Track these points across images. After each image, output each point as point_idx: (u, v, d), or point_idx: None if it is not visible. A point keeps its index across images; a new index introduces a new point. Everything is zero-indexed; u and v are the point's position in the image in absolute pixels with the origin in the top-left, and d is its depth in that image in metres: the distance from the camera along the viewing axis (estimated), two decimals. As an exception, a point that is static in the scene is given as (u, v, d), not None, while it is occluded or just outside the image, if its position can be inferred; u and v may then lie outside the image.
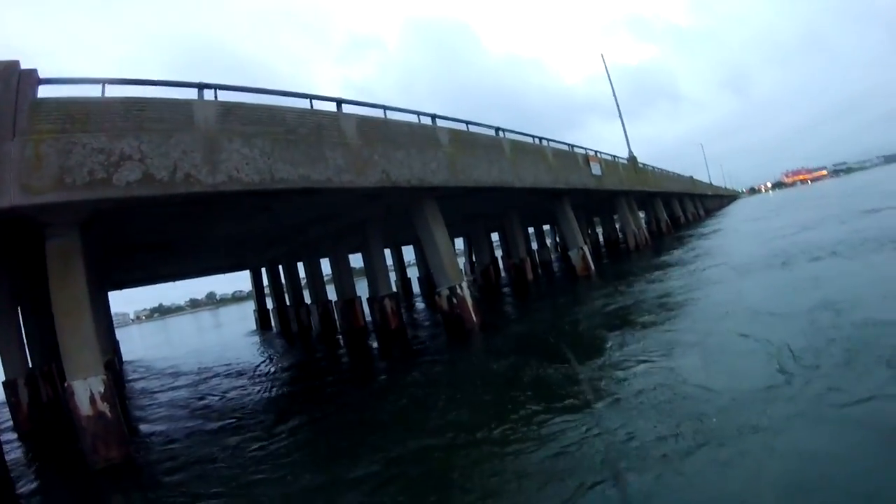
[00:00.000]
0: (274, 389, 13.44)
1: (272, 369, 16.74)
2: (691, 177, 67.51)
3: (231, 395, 13.40)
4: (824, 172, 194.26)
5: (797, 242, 17.75)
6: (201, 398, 13.69)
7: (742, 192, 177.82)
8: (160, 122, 9.56)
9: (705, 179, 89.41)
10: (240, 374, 16.43)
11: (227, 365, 19.02)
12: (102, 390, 8.51)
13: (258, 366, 17.79)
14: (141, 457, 9.05)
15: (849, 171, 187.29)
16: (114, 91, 9.69)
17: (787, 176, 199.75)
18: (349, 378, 12.76)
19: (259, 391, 13.35)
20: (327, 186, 11.86)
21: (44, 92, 8.94)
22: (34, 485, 8.97)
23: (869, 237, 14.87)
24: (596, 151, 28.83)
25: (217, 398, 13.30)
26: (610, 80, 39.39)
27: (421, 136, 14.93)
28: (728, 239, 28.98)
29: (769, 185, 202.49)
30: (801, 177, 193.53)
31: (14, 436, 13.32)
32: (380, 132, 13.61)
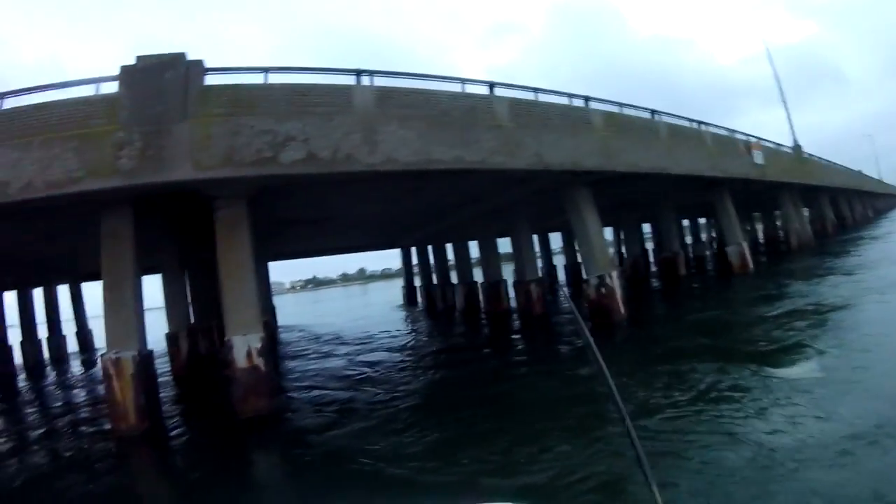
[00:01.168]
0: (414, 366, 13.87)
1: (416, 344, 17.55)
2: (860, 171, 61.35)
3: (376, 364, 13.85)
4: None
5: None
6: (349, 362, 14.56)
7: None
8: (321, 106, 10.22)
9: (874, 175, 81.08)
10: (389, 348, 16.95)
11: (372, 335, 20.00)
12: (259, 346, 9.38)
13: (403, 339, 18.78)
14: (286, 410, 9.90)
15: None
16: (276, 79, 10.45)
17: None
18: (491, 369, 12.07)
19: (403, 364, 13.95)
20: (480, 168, 11.89)
21: (210, 80, 9.93)
22: (183, 424, 10.27)
23: None
24: (757, 138, 26.68)
25: (363, 365, 13.88)
26: (771, 61, 37.23)
27: (573, 118, 14.54)
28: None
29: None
30: None
31: (170, 378, 14.93)
32: (532, 114, 13.41)
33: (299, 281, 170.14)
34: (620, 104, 16.80)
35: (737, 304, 16.16)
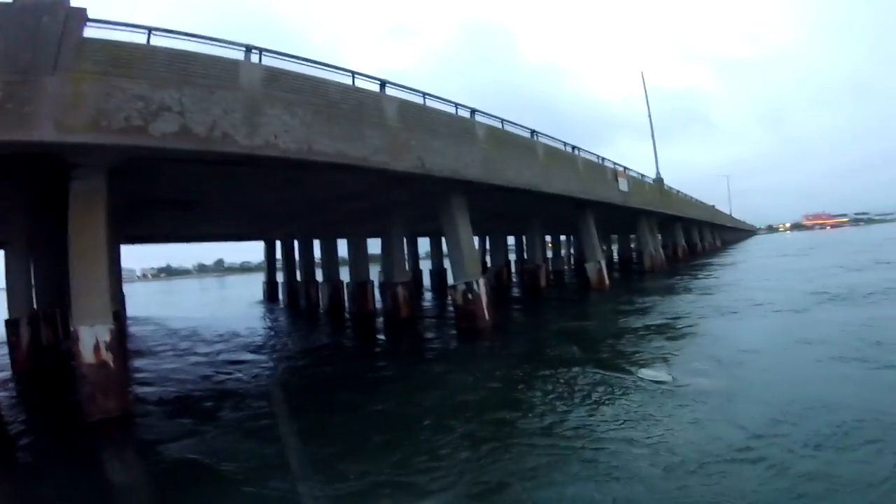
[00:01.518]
0: (273, 363, 13.22)
1: (279, 344, 16.43)
2: (713, 206, 67.14)
3: (237, 365, 12.81)
4: (845, 220, 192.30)
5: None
6: (208, 362, 13.41)
7: (760, 228, 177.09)
8: (204, 77, 9.50)
9: (727, 211, 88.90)
10: (250, 347, 15.78)
11: (233, 332, 18.72)
12: (108, 339, 8.34)
13: (261, 336, 17.75)
14: (137, 412, 8.74)
15: (869, 221, 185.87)
16: (159, 43, 9.56)
17: (807, 219, 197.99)
18: (351, 371, 11.51)
19: (265, 365, 12.92)
20: (362, 165, 11.79)
21: (89, 33, 8.81)
22: (24, 428, 8.53)
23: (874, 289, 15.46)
24: (624, 168, 28.61)
25: (223, 365, 12.81)
26: (647, 98, 39.37)
27: (459, 128, 14.84)
28: (742, 275, 28.28)
29: (788, 225, 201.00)
30: (821, 221, 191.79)
31: (9, 374, 13.28)
32: (420, 118, 13.54)
33: (151, 269, 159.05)
34: (503, 120, 17.31)
35: (595, 315, 17.49)
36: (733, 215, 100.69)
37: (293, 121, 10.51)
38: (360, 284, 21.45)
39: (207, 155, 9.74)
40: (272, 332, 19.29)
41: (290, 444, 6.50)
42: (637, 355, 10.17)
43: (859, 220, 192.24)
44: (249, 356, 13.97)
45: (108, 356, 8.26)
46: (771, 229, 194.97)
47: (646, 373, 8.59)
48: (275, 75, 10.59)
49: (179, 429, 7.60)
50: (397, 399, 8.49)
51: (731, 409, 6.59)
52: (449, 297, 18.06)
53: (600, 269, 24.36)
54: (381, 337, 16.90)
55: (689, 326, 13.05)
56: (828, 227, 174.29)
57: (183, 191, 14.79)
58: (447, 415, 7.28)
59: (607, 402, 7.38)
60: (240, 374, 11.48)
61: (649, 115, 39.17)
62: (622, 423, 6.38)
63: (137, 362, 13.74)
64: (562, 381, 8.63)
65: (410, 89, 14.16)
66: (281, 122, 10.31)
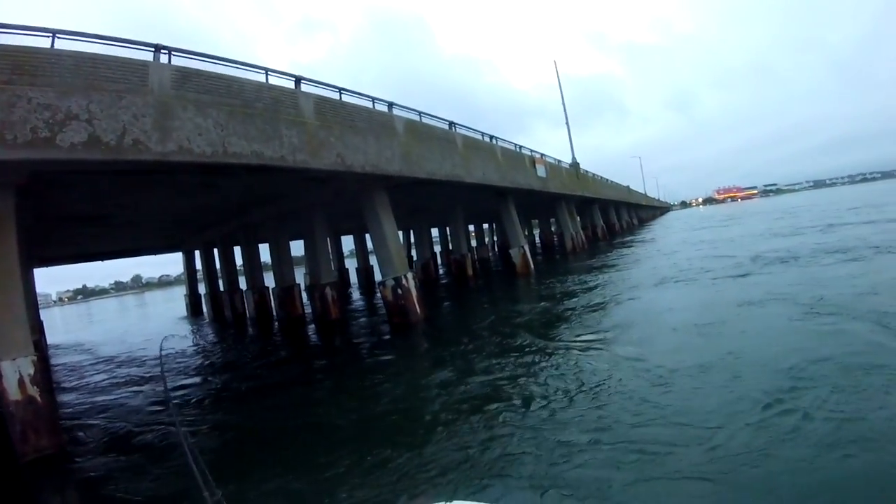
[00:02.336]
0: (204, 385, 12.17)
1: (213, 362, 15.31)
2: (628, 186, 69.51)
3: (176, 391, 11.43)
4: (755, 192, 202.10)
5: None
6: (142, 390, 12.24)
7: (674, 205, 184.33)
8: (112, 81, 8.94)
9: (641, 191, 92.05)
10: (185, 370, 14.30)
11: (164, 354, 16.71)
12: (32, 372, 7.69)
13: (185, 355, 16.48)
14: (73, 448, 8.10)
15: (778, 192, 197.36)
16: (64, 46, 8.91)
17: (718, 193, 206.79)
18: (280, 381, 11.08)
19: (191, 385, 12.04)
20: (280, 165, 11.51)
21: None
22: None
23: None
24: (542, 154, 29.27)
25: (160, 394, 11.37)
26: (560, 86, 40.04)
27: (378, 122, 14.72)
28: (656, 247, 30.08)
29: (700, 200, 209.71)
30: (731, 194, 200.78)
31: None
32: (337, 114, 13.34)
33: (67, 291, 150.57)
34: (421, 113, 17.33)
35: (526, 299, 17.70)
36: (648, 194, 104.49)
37: (207, 123, 10.11)
38: (286, 289, 20.82)
39: (118, 164, 9.24)
40: (201, 350, 17.84)
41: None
42: (567, 332, 10.77)
43: (769, 191, 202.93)
44: (185, 380, 12.70)
45: (34, 391, 7.65)
46: (685, 205, 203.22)
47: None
48: (186, 76, 10.14)
49: (117, 465, 7.13)
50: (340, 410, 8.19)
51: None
52: (378, 294, 18.02)
53: (524, 254, 24.84)
54: (313, 341, 16.46)
55: (615, 299, 13.86)
56: (739, 200, 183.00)
57: (96, 204, 14.21)
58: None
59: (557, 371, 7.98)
60: (177, 400, 10.37)
61: (563, 103, 40.01)
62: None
63: (67, 396, 12.72)
64: (518, 367, 8.74)
65: (327, 85, 13.89)
66: (194, 125, 9.91)
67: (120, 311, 58.08)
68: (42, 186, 9.76)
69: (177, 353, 16.84)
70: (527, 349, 9.79)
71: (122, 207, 15.33)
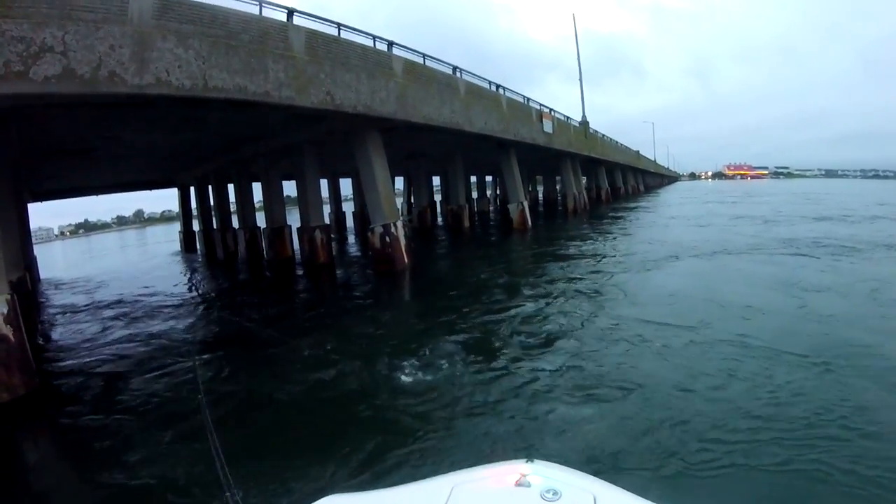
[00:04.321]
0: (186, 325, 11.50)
1: (201, 302, 14.44)
2: (637, 151, 68.27)
3: (161, 335, 10.69)
4: (766, 172, 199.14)
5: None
6: (130, 329, 11.41)
7: (683, 175, 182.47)
8: (90, 11, 8.41)
9: (651, 157, 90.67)
10: (158, 305, 13.82)
11: (152, 292, 16.23)
12: (6, 311, 7.26)
13: (187, 297, 15.35)
14: (49, 390, 7.69)
15: (790, 175, 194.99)
16: None
17: (728, 168, 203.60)
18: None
19: (190, 331, 11.02)
20: (264, 101, 10.98)
21: None
22: None
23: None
24: (550, 109, 28.45)
25: (147, 335, 10.76)
26: (577, 41, 38.73)
27: (374, 61, 14.03)
28: (656, 218, 29.43)
29: (709, 174, 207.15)
30: (742, 171, 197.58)
31: None
32: (330, 50, 12.68)
33: (69, 225, 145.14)
34: (425, 55, 16.65)
35: (515, 255, 17.69)
36: (657, 161, 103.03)
37: (187, 54, 9.58)
38: (276, 229, 20.40)
39: (93, 98, 8.81)
40: (191, 290, 16.85)
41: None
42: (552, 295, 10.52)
43: (779, 173, 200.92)
44: (171, 323, 11.70)
45: (7, 329, 7.22)
46: (693, 177, 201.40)
47: None
48: (168, 5, 9.50)
49: (92, 407, 6.72)
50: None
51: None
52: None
53: (522, 210, 24.47)
54: (293, 285, 16.03)
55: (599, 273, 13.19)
56: (749, 178, 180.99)
57: (79, 137, 13.73)
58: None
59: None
60: (163, 343, 9.78)
61: (578, 57, 38.76)
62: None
63: (54, 333, 12.12)
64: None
65: (323, 19, 13.30)
66: (174, 57, 9.37)
67: (118, 247, 57.10)
68: (21, 121, 9.46)
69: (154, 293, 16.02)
70: (504, 316, 9.19)
71: (106, 140, 14.74)
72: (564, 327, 8.14)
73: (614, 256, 15.19)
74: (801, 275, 11.12)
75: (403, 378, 6.32)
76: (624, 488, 1.77)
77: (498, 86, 21.89)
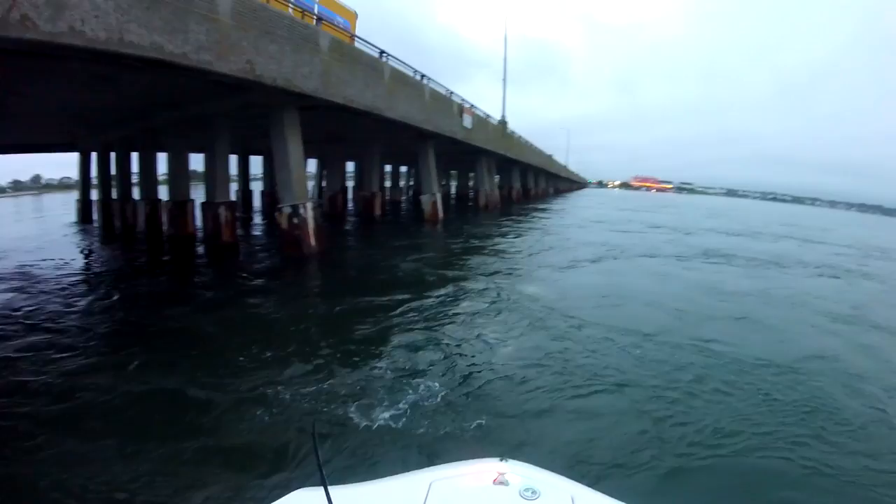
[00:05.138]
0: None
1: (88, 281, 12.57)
2: (551, 156, 69.84)
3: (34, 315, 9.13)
4: (670, 186, 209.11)
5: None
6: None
7: (591, 182, 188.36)
8: None
9: (563, 162, 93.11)
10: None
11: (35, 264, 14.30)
12: None
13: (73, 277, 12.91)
14: None
15: (692, 191, 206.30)
16: None
17: (635, 180, 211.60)
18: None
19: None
20: (181, 63, 10.24)
21: None
22: None
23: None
24: (472, 105, 28.59)
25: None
26: (506, 42, 39.42)
27: (301, 35, 13.44)
28: (565, 219, 30.74)
29: (617, 183, 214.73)
30: (647, 184, 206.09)
31: None
32: (258, 17, 11.98)
33: None
34: (353, 35, 16.52)
35: (425, 245, 17.55)
36: (569, 167, 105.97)
37: (106, 4, 8.75)
38: (179, 203, 19.14)
39: (1, 42, 7.92)
40: (80, 267, 14.61)
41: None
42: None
43: (683, 188, 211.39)
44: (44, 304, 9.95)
45: None
46: (601, 184, 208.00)
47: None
48: None
49: None
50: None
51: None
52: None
53: (435, 202, 24.48)
54: (191, 266, 14.77)
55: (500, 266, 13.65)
56: (654, 190, 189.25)
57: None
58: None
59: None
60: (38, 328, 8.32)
61: (504, 58, 38.88)
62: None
63: None
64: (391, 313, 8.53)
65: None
66: (91, 5, 8.54)
67: (13, 214, 52.04)
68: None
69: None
70: (407, 304, 9.25)
71: (7, 94, 13.63)
72: (466, 320, 8.27)
73: (526, 254, 15.79)
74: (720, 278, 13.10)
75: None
76: (600, 491, 1.80)
77: (423, 75, 21.74)
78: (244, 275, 12.65)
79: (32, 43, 8.13)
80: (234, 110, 15.78)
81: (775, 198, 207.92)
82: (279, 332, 7.83)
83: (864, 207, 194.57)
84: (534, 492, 1.64)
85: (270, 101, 13.98)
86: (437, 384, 5.57)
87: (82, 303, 9.98)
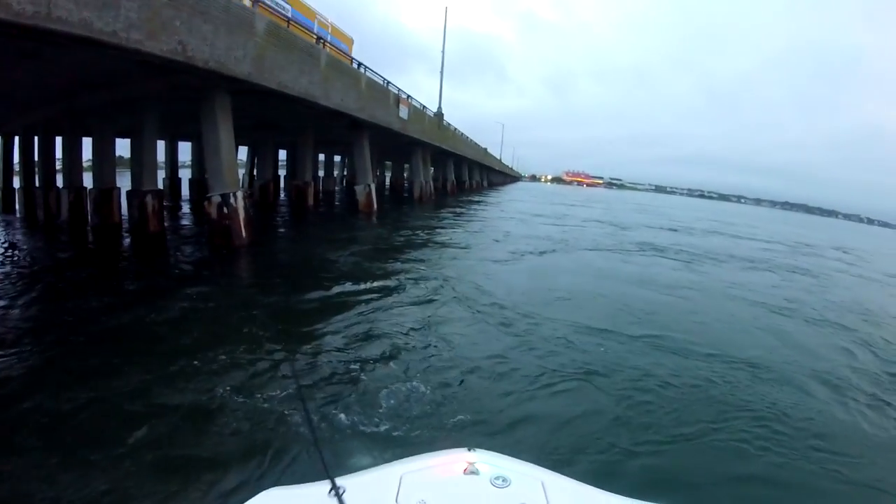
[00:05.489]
0: None
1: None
2: (486, 149, 70.53)
3: None
4: (601, 181, 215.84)
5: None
6: None
7: (525, 176, 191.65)
8: None
9: (497, 156, 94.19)
10: None
11: None
12: None
13: None
14: None
15: (622, 187, 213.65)
16: None
17: (567, 175, 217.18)
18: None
19: None
20: (109, 41, 9.70)
21: None
22: None
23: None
24: (409, 96, 28.57)
25: None
26: (444, 34, 38.97)
27: (237, 16, 12.95)
28: (503, 212, 31.36)
29: (549, 177, 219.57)
30: (579, 178, 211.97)
31: None
32: None
33: None
34: (290, 20, 16.21)
35: (359, 236, 17.43)
36: (503, 161, 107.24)
37: None
38: (104, 191, 18.14)
39: None
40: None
41: None
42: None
43: (613, 184, 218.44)
44: None
45: None
46: (534, 178, 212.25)
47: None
48: None
49: None
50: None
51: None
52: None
53: (369, 193, 24.39)
54: (113, 259, 13.90)
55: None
56: (585, 185, 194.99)
57: None
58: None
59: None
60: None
61: (443, 50, 38.82)
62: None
63: None
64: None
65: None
66: None
67: None
68: None
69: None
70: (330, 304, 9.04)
71: None
72: (402, 313, 8.33)
73: (465, 246, 16.06)
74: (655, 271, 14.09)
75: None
76: (570, 476, 1.84)
77: (360, 63, 21.61)
78: (174, 269, 12.26)
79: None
80: (163, 93, 15.18)
81: (702, 195, 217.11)
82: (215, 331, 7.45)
83: (787, 206, 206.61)
84: (504, 479, 1.67)
85: (202, 84, 13.53)
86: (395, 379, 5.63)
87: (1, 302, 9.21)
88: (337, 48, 19.50)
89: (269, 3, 14.76)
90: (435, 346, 6.73)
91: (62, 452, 4.16)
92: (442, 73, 38.77)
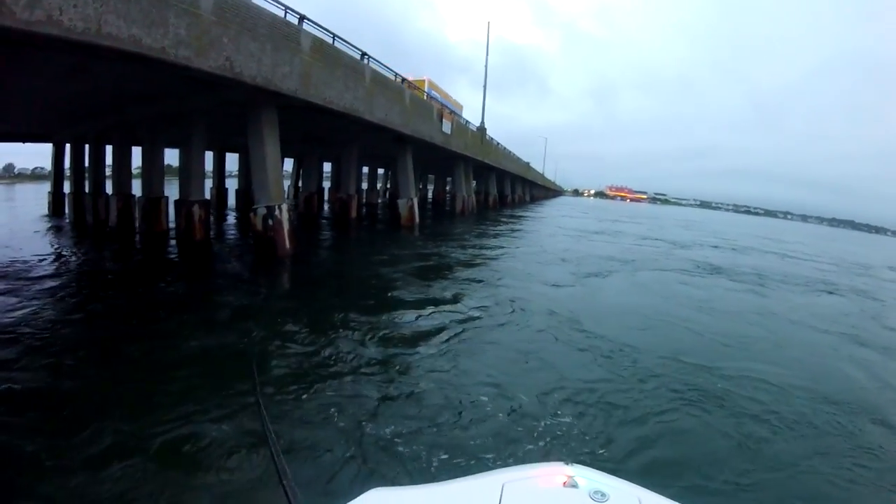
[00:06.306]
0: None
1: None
2: (528, 163, 70.32)
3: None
4: (644, 196, 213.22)
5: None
6: None
7: (567, 191, 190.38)
8: None
9: (540, 170, 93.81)
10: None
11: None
12: None
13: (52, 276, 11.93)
14: None
15: (666, 202, 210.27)
16: None
17: (610, 189, 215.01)
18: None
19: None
20: (159, 57, 9.99)
21: None
22: None
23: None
24: (452, 110, 28.65)
25: None
26: (487, 49, 38.94)
27: (282, 32, 13.29)
28: (550, 228, 31.08)
29: (592, 192, 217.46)
30: (622, 193, 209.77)
31: None
32: (239, 13, 11.79)
33: None
34: (335, 35, 16.30)
35: (399, 250, 17.20)
36: (545, 175, 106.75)
37: None
38: (153, 200, 18.73)
39: None
40: (55, 264, 13.32)
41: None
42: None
43: (657, 199, 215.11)
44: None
45: None
46: (577, 193, 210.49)
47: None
48: None
49: None
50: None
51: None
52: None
53: (412, 206, 24.45)
54: (161, 265, 13.93)
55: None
56: (628, 200, 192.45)
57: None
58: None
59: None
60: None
61: (486, 65, 38.80)
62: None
63: None
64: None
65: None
66: None
67: None
68: None
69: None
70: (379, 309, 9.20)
71: None
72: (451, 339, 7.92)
73: (515, 261, 16.15)
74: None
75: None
76: (668, 497, 1.80)
77: (403, 79, 21.76)
78: (218, 278, 12.41)
79: (8, 31, 7.88)
80: (211, 107, 15.58)
81: (748, 210, 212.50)
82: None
83: (835, 222, 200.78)
84: (603, 494, 1.66)
85: (249, 100, 13.82)
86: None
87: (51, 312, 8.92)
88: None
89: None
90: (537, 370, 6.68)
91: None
92: (485, 88, 38.81)
